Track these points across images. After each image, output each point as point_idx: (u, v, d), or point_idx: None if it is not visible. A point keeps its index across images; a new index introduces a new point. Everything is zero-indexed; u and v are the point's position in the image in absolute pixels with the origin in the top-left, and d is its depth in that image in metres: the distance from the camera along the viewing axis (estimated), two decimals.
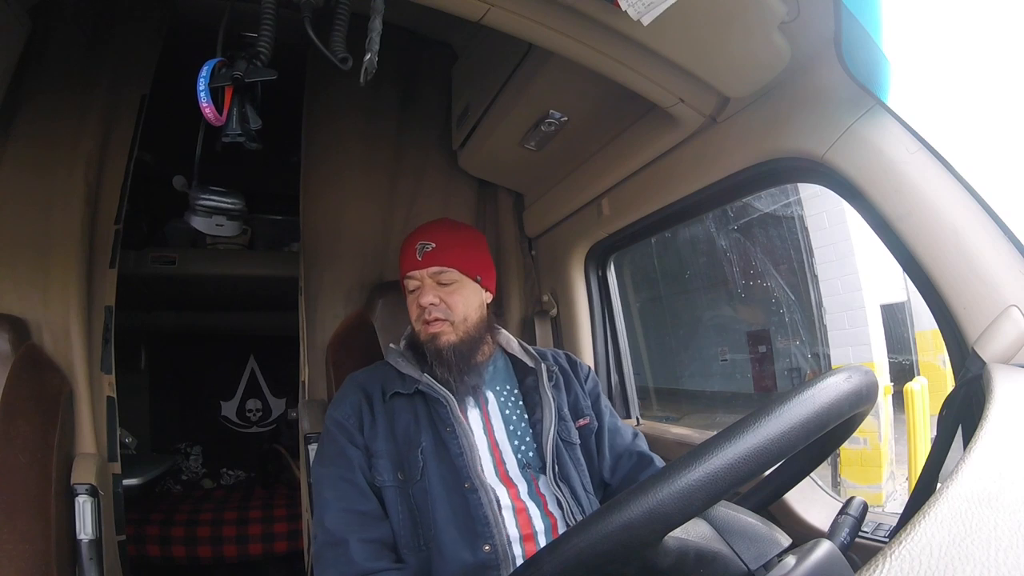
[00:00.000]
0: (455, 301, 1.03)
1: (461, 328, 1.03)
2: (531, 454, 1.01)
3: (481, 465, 0.96)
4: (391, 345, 1.13)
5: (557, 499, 0.97)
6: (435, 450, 0.97)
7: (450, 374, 1.01)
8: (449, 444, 0.97)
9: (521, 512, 0.95)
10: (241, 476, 2.92)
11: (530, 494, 0.97)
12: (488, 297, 1.11)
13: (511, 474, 0.99)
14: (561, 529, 0.95)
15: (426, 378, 1.02)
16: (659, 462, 1.08)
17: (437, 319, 1.02)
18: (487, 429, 1.02)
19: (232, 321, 2.85)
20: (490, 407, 1.05)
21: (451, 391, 1.01)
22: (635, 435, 1.12)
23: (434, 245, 1.04)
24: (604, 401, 1.14)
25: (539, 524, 0.94)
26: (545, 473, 0.99)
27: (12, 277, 1.29)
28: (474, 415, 1.03)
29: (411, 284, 1.06)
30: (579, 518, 0.95)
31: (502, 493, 0.95)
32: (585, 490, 1.00)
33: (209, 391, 3.07)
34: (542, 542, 0.93)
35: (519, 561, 0.91)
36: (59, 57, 1.38)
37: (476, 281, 1.07)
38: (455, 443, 0.96)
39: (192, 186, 1.28)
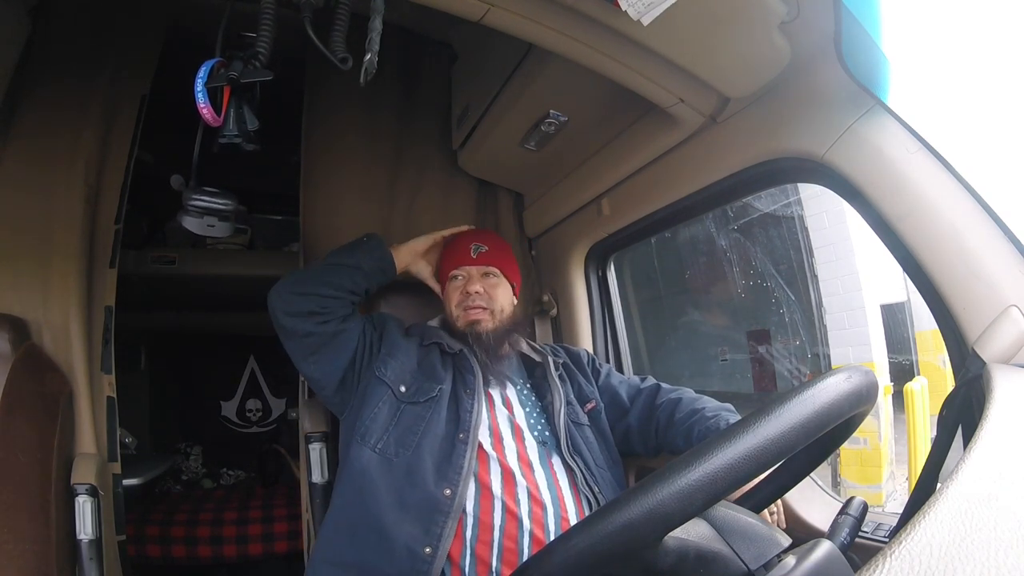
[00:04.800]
0: (497, 294, 1.21)
1: (497, 318, 1.19)
2: (546, 433, 1.11)
3: (500, 436, 1.06)
4: (429, 323, 1.28)
5: (572, 470, 1.05)
6: (451, 397, 1.08)
7: (487, 356, 1.13)
8: (462, 400, 1.07)
9: (532, 482, 1.01)
10: (241, 476, 2.92)
11: (543, 465, 1.05)
12: (514, 302, 1.27)
13: (528, 447, 1.07)
14: (568, 500, 1.01)
15: (466, 350, 1.15)
16: (666, 385, 1.19)
17: (480, 307, 1.18)
18: (507, 407, 1.13)
19: (232, 321, 2.85)
20: (509, 393, 1.16)
21: (482, 374, 1.12)
22: (644, 379, 1.25)
23: (487, 248, 1.24)
24: (606, 368, 1.28)
25: (546, 493, 1.00)
26: (559, 449, 1.07)
27: (12, 277, 1.28)
28: (496, 396, 1.13)
29: (458, 275, 1.23)
30: (593, 488, 1.04)
31: (517, 462, 1.02)
32: (597, 465, 1.08)
33: (209, 391, 3.07)
34: (550, 512, 0.98)
35: (497, 510, 0.96)
36: (59, 58, 1.38)
37: (511, 286, 1.26)
38: (468, 401, 1.06)
39: (188, 186, 1.28)
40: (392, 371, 1.10)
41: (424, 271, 1.32)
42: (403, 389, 1.08)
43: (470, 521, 0.95)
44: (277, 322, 1.13)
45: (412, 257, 1.30)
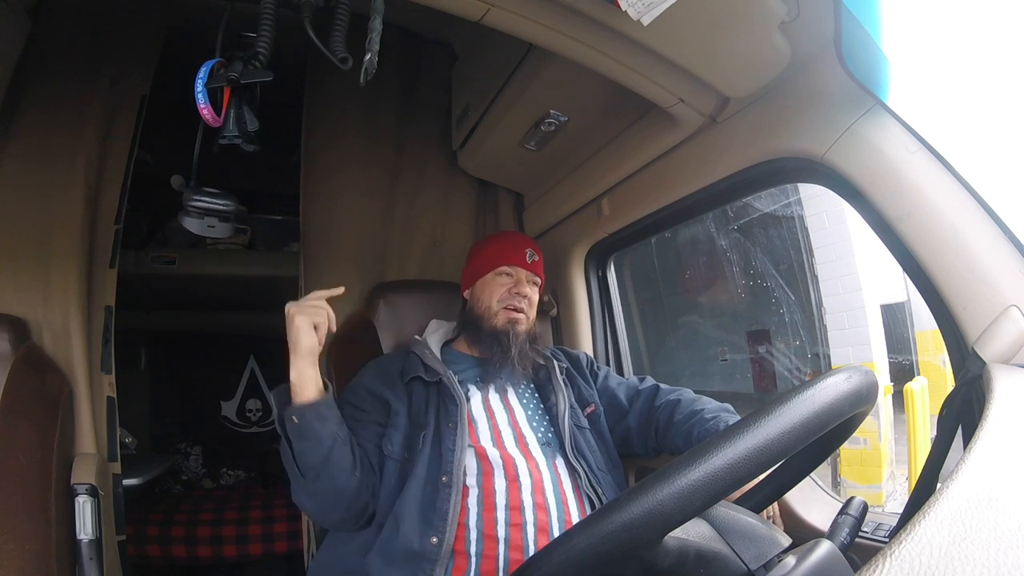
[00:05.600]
0: (534, 303, 1.25)
1: (529, 323, 1.23)
2: (549, 435, 1.10)
3: (502, 442, 1.05)
4: (416, 337, 1.25)
5: (576, 471, 1.04)
6: (433, 437, 1.05)
7: (518, 355, 1.15)
8: (444, 437, 1.03)
9: (537, 483, 1.00)
10: (241, 476, 2.92)
11: (548, 467, 1.04)
12: None
13: (531, 448, 1.06)
14: (572, 503, 1.01)
15: (448, 374, 1.11)
16: (665, 386, 1.20)
17: (522, 309, 1.21)
18: (508, 410, 1.12)
19: (232, 321, 2.85)
20: (510, 396, 1.15)
21: (502, 374, 1.13)
22: (643, 379, 1.25)
23: (538, 259, 1.27)
24: (604, 371, 1.29)
25: (551, 497, 0.99)
26: (563, 451, 1.07)
27: (12, 277, 1.28)
28: (496, 401, 1.13)
29: (510, 273, 1.24)
30: (597, 489, 1.03)
31: (521, 464, 1.01)
32: (599, 468, 1.08)
33: (209, 391, 3.07)
34: (554, 515, 0.97)
35: (495, 553, 0.93)
36: (59, 58, 1.38)
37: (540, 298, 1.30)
38: (450, 438, 1.02)
39: (188, 187, 1.28)
40: (396, 444, 1.05)
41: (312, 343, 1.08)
42: (406, 455, 1.04)
43: (473, 535, 0.94)
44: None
45: (312, 359, 1.08)
